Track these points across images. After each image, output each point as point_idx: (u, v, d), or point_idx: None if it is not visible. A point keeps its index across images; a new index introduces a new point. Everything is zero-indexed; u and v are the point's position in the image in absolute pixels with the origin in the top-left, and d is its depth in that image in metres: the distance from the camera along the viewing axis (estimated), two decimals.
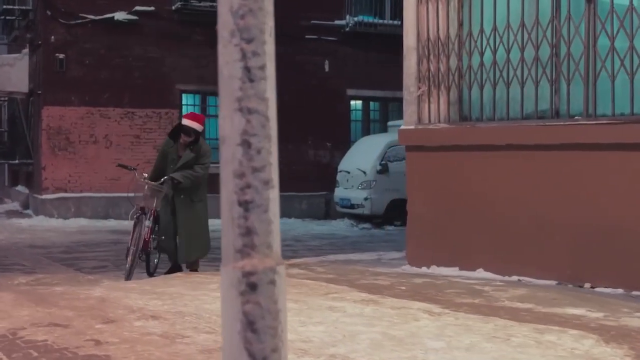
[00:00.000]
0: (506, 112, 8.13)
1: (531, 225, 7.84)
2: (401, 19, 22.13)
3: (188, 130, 9.09)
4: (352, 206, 19.06)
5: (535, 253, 7.82)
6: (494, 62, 8.21)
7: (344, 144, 20.87)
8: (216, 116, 20.35)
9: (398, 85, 22.77)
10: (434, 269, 8.83)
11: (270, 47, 2.23)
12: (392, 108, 22.25)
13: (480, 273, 8.37)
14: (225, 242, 2.03)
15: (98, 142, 18.53)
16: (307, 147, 20.76)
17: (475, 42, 8.34)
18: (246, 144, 2.01)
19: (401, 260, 10.02)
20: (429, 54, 8.77)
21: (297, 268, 9.21)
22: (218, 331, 5.10)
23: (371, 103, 22.02)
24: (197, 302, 6.45)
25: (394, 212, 19.35)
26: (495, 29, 8.14)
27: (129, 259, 9.15)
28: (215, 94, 20.12)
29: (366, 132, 21.56)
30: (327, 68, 20.87)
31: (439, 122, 8.74)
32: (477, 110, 8.48)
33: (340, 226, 19.04)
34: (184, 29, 19.16)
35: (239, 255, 1.97)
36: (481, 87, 8.35)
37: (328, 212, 20.57)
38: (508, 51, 8.03)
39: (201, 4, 18.99)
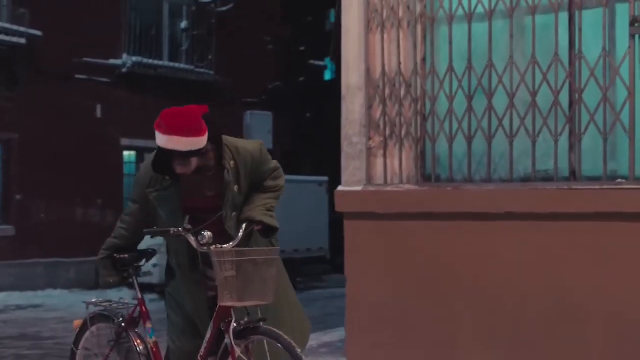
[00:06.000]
0: (509, 172, 6.37)
1: (555, 316, 6.11)
2: (178, 60, 20.10)
3: (185, 155, 4.49)
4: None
5: (562, 352, 6.08)
6: (489, 107, 6.43)
7: (117, 201, 18.05)
8: None
9: None
10: None
11: None
12: None
13: None
14: None
15: None
16: (76, 205, 17.72)
17: (460, 81, 6.51)
18: None
19: (328, 349, 7.88)
20: (384, 96, 6.81)
21: None
22: None
23: (146, 155, 19.37)
24: None
25: None
26: (491, 65, 6.38)
27: None
28: None
29: None
30: (99, 113, 18.04)
31: (402, 182, 6.78)
32: (459, 168, 6.64)
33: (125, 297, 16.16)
34: None
35: None
36: (469, 140, 6.53)
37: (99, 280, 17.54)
38: (512, 96, 6.30)
39: None
